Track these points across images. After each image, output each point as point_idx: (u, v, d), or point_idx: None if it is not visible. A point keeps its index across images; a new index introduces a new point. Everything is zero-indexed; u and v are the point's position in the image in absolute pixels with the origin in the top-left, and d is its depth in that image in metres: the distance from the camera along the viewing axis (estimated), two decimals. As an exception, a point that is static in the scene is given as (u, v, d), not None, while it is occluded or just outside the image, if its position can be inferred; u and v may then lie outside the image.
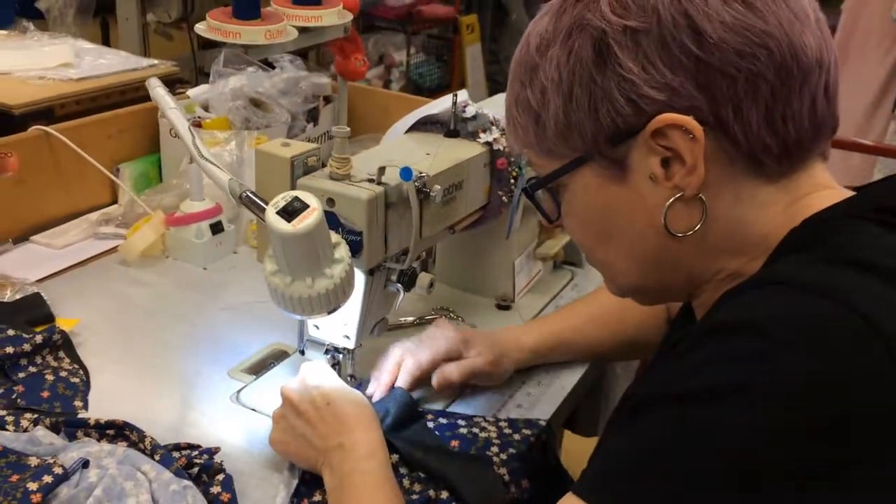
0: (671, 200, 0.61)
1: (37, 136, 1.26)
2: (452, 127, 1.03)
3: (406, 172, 0.84)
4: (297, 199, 0.76)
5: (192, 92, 1.48)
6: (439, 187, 0.88)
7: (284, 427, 0.83)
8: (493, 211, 1.05)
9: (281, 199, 0.76)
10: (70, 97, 1.81)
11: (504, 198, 1.04)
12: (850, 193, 0.63)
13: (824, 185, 0.63)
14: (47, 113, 1.75)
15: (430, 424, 0.90)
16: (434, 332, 0.97)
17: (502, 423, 0.91)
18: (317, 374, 0.85)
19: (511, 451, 0.86)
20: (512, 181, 1.04)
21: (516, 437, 0.89)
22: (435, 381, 0.93)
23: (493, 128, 1.03)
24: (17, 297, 1.06)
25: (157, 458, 0.78)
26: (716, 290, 0.64)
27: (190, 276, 1.22)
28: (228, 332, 1.08)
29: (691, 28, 0.57)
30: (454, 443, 0.87)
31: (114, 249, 1.24)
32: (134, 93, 1.89)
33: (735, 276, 0.63)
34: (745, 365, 0.51)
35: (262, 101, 1.47)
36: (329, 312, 0.81)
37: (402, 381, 0.92)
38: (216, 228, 1.25)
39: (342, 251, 0.80)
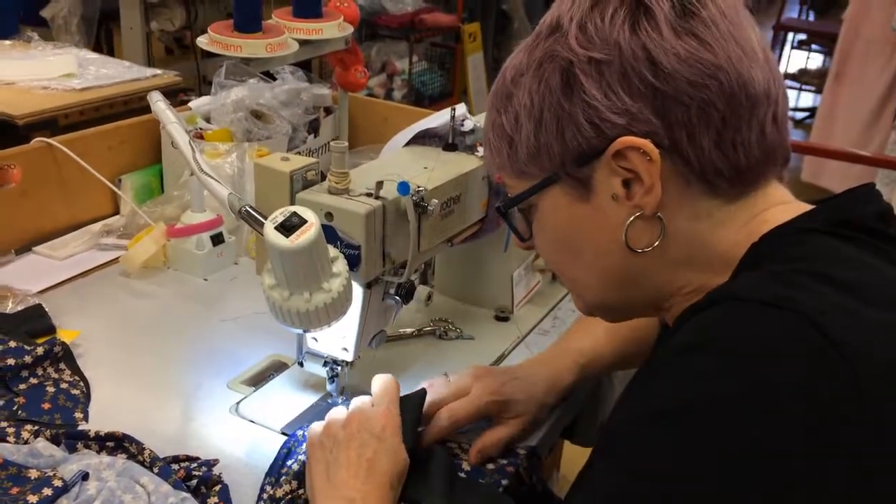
0: (631, 218, 0.66)
1: (39, 147, 1.27)
2: (450, 140, 1.04)
3: (403, 187, 0.85)
4: (295, 214, 0.77)
5: (193, 103, 1.49)
6: (437, 201, 0.88)
7: (323, 445, 0.80)
8: (492, 224, 1.06)
9: (279, 215, 0.77)
10: (73, 107, 1.83)
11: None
12: (809, 207, 0.66)
13: (781, 201, 0.67)
14: (51, 123, 1.77)
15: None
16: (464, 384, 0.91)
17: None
18: (384, 406, 0.82)
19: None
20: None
21: (490, 466, 0.87)
22: (431, 425, 0.88)
23: (492, 141, 1.04)
24: (19, 308, 1.07)
25: (155, 470, 0.79)
26: (685, 303, 0.67)
27: (190, 288, 1.23)
28: (228, 343, 1.09)
29: (649, 60, 0.62)
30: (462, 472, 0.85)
31: (115, 260, 1.25)
32: (137, 103, 1.91)
33: (700, 290, 0.67)
34: (712, 381, 0.53)
35: (263, 113, 1.48)
36: (327, 326, 0.82)
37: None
38: (217, 240, 1.26)
39: (340, 265, 0.81)
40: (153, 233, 1.24)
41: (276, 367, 1.04)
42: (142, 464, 0.80)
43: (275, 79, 1.56)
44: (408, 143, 1.07)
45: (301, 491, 0.81)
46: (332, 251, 0.82)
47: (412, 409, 0.84)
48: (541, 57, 0.67)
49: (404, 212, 0.88)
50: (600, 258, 0.69)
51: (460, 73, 4.57)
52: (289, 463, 0.83)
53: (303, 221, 0.76)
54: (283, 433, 0.91)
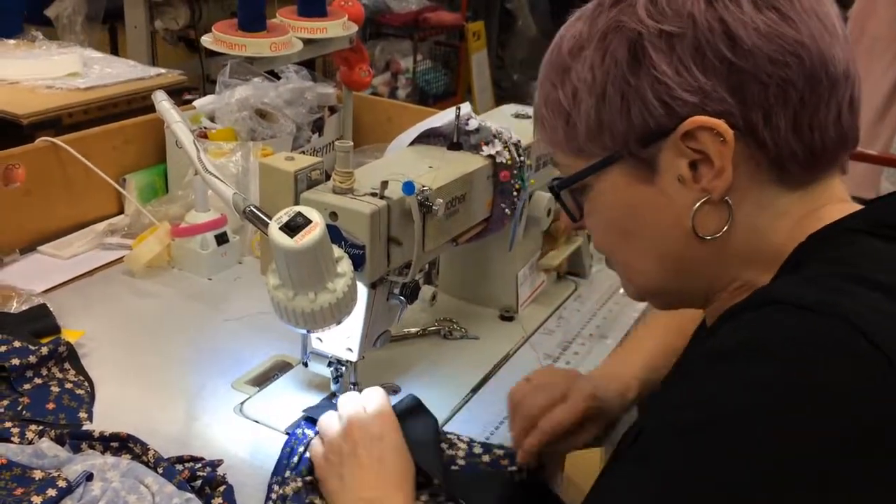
0: (699, 203, 0.62)
1: (44, 147, 1.27)
2: (455, 140, 1.04)
3: (408, 186, 0.85)
4: (300, 214, 0.77)
5: (198, 102, 1.49)
6: (441, 201, 0.88)
7: (331, 462, 0.81)
8: (496, 223, 1.06)
9: (284, 215, 0.77)
10: (78, 106, 1.83)
11: (507, 210, 1.05)
12: (860, 208, 0.64)
13: (838, 199, 0.64)
14: (55, 122, 1.77)
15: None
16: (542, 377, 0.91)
17: (496, 451, 0.88)
18: (377, 409, 0.83)
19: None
20: (515, 193, 1.04)
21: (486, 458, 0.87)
22: (536, 432, 0.85)
23: (496, 140, 1.03)
24: (24, 307, 1.07)
25: (160, 470, 0.78)
26: (727, 301, 0.65)
27: (195, 287, 1.23)
28: (232, 343, 1.08)
29: (726, 34, 0.59)
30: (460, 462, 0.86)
31: (119, 260, 1.25)
32: (141, 102, 1.91)
33: (746, 287, 0.65)
34: (752, 388, 0.51)
35: (267, 112, 1.47)
36: (332, 326, 0.81)
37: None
38: (221, 239, 1.26)
39: (345, 265, 0.81)
40: (157, 232, 1.24)
41: (281, 367, 1.04)
42: (146, 464, 0.80)
43: (279, 77, 1.55)
44: (412, 143, 1.07)
45: (310, 478, 0.82)
46: (337, 251, 0.81)
47: (405, 415, 0.85)
48: (605, 28, 0.62)
49: (409, 211, 0.87)
50: (659, 243, 0.66)
51: (464, 71, 4.57)
52: (293, 461, 0.83)
53: (307, 222, 0.76)
54: (287, 433, 0.90)
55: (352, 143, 0.86)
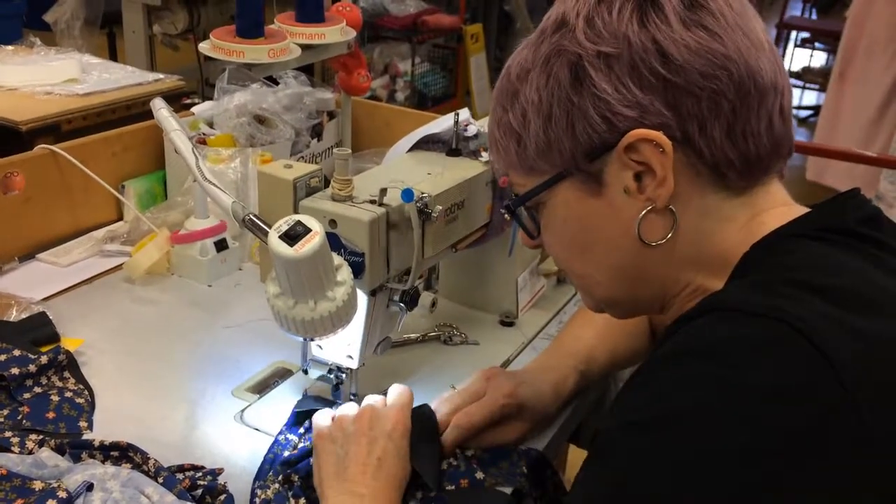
0: (644, 212, 0.65)
1: (42, 154, 1.27)
2: (454, 146, 1.04)
3: (407, 194, 0.85)
4: (299, 223, 0.77)
5: (196, 109, 1.49)
6: (440, 207, 0.88)
7: (333, 438, 0.81)
8: (496, 229, 1.06)
9: (283, 224, 0.77)
10: (76, 113, 1.82)
11: (506, 215, 1.04)
12: (805, 210, 0.67)
13: (781, 202, 0.68)
14: (54, 129, 1.76)
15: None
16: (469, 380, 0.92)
17: (503, 465, 0.87)
18: (397, 405, 0.83)
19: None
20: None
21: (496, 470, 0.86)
22: (449, 430, 0.85)
23: (495, 146, 1.04)
24: (23, 316, 1.06)
25: (160, 480, 0.78)
26: (682, 306, 0.69)
27: (194, 294, 1.22)
28: (232, 350, 1.08)
29: (659, 52, 0.62)
30: (463, 482, 0.84)
31: (119, 267, 1.25)
32: (140, 107, 1.91)
33: (699, 292, 0.68)
34: (700, 389, 0.54)
35: (266, 117, 1.47)
36: (332, 334, 0.81)
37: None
38: (220, 246, 1.26)
39: (344, 273, 0.81)
40: (157, 239, 1.24)
41: (281, 375, 1.04)
42: (147, 473, 0.80)
43: (277, 83, 1.55)
44: (411, 149, 1.07)
45: (294, 477, 0.82)
46: (337, 259, 0.81)
47: (417, 421, 0.84)
48: (548, 52, 0.66)
49: (408, 218, 0.87)
50: (611, 253, 0.69)
51: (463, 73, 4.57)
52: (275, 467, 0.85)
53: (307, 230, 0.76)
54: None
55: (350, 151, 0.86)
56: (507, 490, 0.84)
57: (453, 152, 1.04)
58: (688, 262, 0.67)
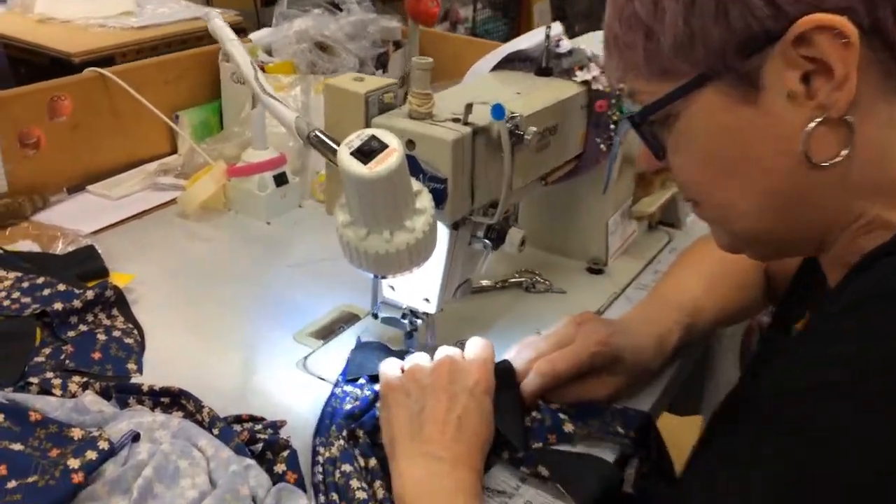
0: (813, 123, 0.51)
1: (92, 78, 1.18)
2: (545, 64, 0.91)
3: (498, 110, 0.72)
4: (374, 137, 0.65)
5: (254, 35, 1.38)
6: (535, 129, 0.76)
7: (407, 391, 0.71)
8: (590, 160, 0.93)
9: (356, 139, 0.65)
10: (130, 46, 1.73)
11: (602, 146, 0.92)
12: None
13: None
14: (108, 61, 1.68)
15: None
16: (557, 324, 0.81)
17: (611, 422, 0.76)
18: (480, 359, 0.73)
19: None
20: (612, 126, 0.91)
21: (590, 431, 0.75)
22: (529, 379, 0.75)
23: (592, 65, 0.90)
24: (70, 249, 0.98)
25: (215, 431, 0.69)
26: (851, 243, 0.55)
27: (252, 231, 1.13)
28: (294, 292, 0.99)
29: None
30: (551, 437, 0.74)
31: (172, 201, 1.17)
32: (195, 43, 1.81)
33: (874, 224, 0.54)
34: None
35: (328, 45, 1.36)
36: (409, 271, 0.70)
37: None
38: (280, 180, 1.16)
39: (424, 200, 0.69)
40: (212, 172, 1.15)
41: (347, 319, 0.94)
42: (200, 423, 0.71)
43: (340, 9, 1.43)
44: (494, 68, 0.94)
45: (359, 433, 0.72)
46: (416, 184, 0.70)
47: (498, 377, 0.74)
48: None
49: (497, 140, 0.75)
50: (765, 176, 0.55)
51: (525, 21, 4.38)
52: (337, 421, 0.74)
53: (383, 146, 0.64)
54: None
55: (432, 60, 0.74)
56: (603, 451, 0.72)
57: (543, 71, 0.91)
58: (864, 187, 0.53)
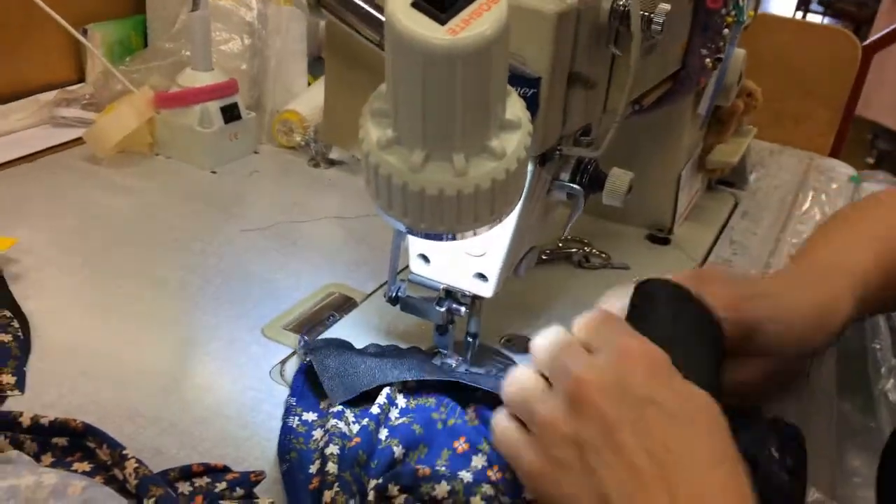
0: None
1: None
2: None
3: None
4: (449, -17, 0.36)
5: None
6: (667, 6, 0.48)
7: (560, 445, 0.42)
8: (690, 80, 0.66)
9: (415, -16, 0.36)
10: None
11: (708, 60, 0.65)
12: None
13: None
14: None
15: None
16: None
17: None
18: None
19: None
20: (725, 31, 0.64)
21: None
22: None
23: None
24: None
25: (149, 501, 0.40)
26: None
27: (192, 182, 0.83)
28: (256, 266, 0.69)
29: None
30: None
31: (78, 140, 0.85)
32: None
33: None
34: None
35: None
36: (485, 226, 0.42)
37: None
38: (230, 114, 0.86)
39: (517, 107, 0.41)
40: (134, 100, 0.84)
41: (338, 305, 0.65)
42: (121, 485, 0.41)
43: None
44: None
45: (393, 490, 0.44)
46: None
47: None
48: None
49: (604, 27, 0.47)
50: None
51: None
52: (342, 475, 0.44)
53: (468, -1, 0.36)
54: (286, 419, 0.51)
55: None
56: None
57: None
58: None
